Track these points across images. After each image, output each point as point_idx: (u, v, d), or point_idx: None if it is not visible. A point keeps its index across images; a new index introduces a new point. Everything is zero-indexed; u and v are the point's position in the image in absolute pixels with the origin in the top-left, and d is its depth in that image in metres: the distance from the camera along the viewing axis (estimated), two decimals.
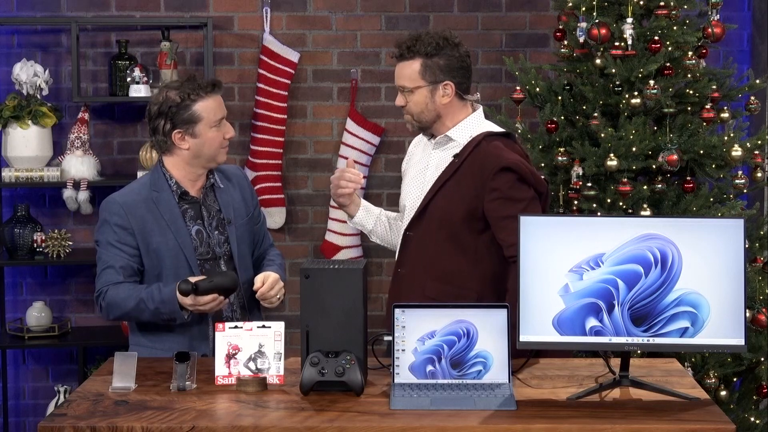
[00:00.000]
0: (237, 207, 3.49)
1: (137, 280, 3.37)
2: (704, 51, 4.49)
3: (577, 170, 4.36)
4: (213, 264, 3.43)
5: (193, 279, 3.24)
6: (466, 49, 3.48)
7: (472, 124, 3.49)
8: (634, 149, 4.28)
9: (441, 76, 3.42)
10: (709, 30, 4.37)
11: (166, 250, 3.36)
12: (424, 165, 3.56)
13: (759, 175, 4.48)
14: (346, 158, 5.25)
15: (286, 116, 5.28)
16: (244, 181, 3.58)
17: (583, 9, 4.41)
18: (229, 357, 3.02)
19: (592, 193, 4.33)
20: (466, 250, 3.43)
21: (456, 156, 3.45)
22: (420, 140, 3.67)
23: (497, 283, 3.42)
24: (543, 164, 4.47)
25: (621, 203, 4.30)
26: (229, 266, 3.44)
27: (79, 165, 5.01)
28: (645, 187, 4.34)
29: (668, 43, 4.38)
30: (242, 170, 3.66)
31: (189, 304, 3.24)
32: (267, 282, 3.42)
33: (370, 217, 3.68)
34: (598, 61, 4.42)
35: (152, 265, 3.37)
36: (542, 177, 3.48)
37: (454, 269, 3.44)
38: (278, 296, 3.46)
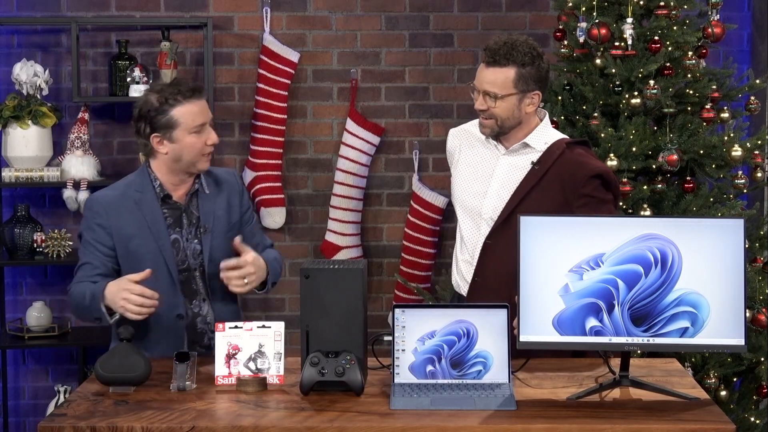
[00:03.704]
0: (219, 215, 3.40)
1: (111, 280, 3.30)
2: (704, 51, 4.49)
3: None
4: (188, 275, 3.36)
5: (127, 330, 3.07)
6: (548, 60, 3.49)
7: (544, 131, 3.50)
8: (634, 149, 4.28)
9: (532, 86, 3.42)
10: (709, 30, 4.37)
11: (145, 253, 3.31)
12: (489, 169, 3.52)
13: (759, 175, 4.48)
14: (347, 158, 5.29)
15: (286, 116, 5.28)
16: (236, 187, 3.48)
17: (583, 9, 4.41)
18: (229, 357, 3.02)
19: None
20: None
21: (535, 163, 3.44)
22: (471, 138, 3.60)
23: None
24: None
25: (621, 203, 4.29)
26: (203, 278, 3.38)
27: (79, 165, 5.01)
28: (645, 187, 4.34)
29: (668, 43, 4.38)
30: (235, 176, 3.55)
31: (117, 300, 3.12)
32: (238, 260, 3.25)
33: None
34: (598, 61, 4.42)
35: (129, 266, 3.30)
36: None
37: None
38: (245, 280, 3.26)
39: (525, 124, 3.47)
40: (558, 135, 3.53)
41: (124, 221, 3.32)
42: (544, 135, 3.49)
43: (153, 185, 3.37)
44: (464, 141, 3.62)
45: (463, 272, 3.54)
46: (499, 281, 3.38)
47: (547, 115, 3.56)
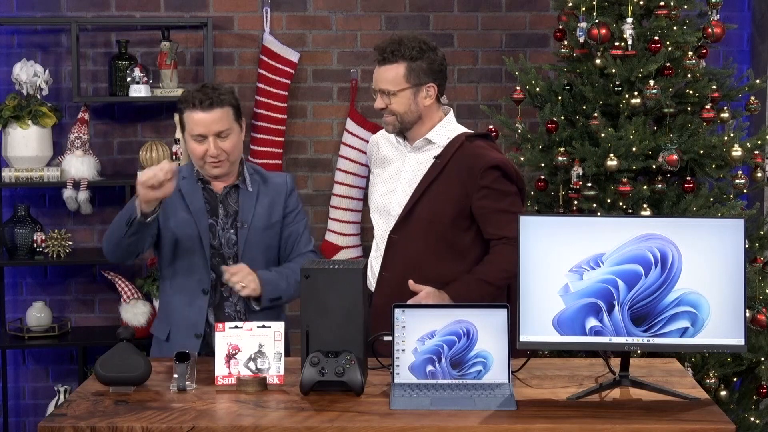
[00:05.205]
0: (258, 212, 3.49)
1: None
2: (704, 51, 4.49)
3: (577, 170, 4.36)
4: (221, 261, 3.46)
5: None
6: (442, 53, 3.56)
7: (447, 126, 3.57)
8: (634, 149, 4.28)
9: (425, 79, 3.49)
10: (709, 30, 4.37)
11: (183, 234, 3.44)
12: (398, 168, 3.60)
13: (759, 175, 4.47)
14: (347, 158, 5.29)
15: (286, 116, 5.28)
16: (283, 188, 3.56)
17: (583, 9, 4.41)
18: (229, 357, 3.02)
19: (592, 193, 4.33)
20: (454, 249, 3.49)
21: (437, 157, 3.50)
22: (383, 140, 3.69)
23: None
24: (543, 164, 4.47)
25: (621, 203, 4.30)
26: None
27: (79, 165, 5.01)
28: (645, 187, 4.34)
29: (668, 43, 4.38)
30: (287, 178, 3.62)
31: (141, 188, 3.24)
32: (232, 268, 3.38)
33: None
34: (598, 61, 4.42)
35: (167, 239, 3.45)
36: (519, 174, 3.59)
37: (443, 269, 3.47)
38: (241, 284, 3.35)
39: (427, 119, 3.54)
40: (461, 129, 3.59)
41: (169, 199, 3.41)
42: (447, 130, 3.56)
43: (194, 171, 3.51)
44: (381, 144, 3.71)
45: (374, 268, 3.62)
46: (404, 274, 3.45)
47: (452, 111, 3.62)
